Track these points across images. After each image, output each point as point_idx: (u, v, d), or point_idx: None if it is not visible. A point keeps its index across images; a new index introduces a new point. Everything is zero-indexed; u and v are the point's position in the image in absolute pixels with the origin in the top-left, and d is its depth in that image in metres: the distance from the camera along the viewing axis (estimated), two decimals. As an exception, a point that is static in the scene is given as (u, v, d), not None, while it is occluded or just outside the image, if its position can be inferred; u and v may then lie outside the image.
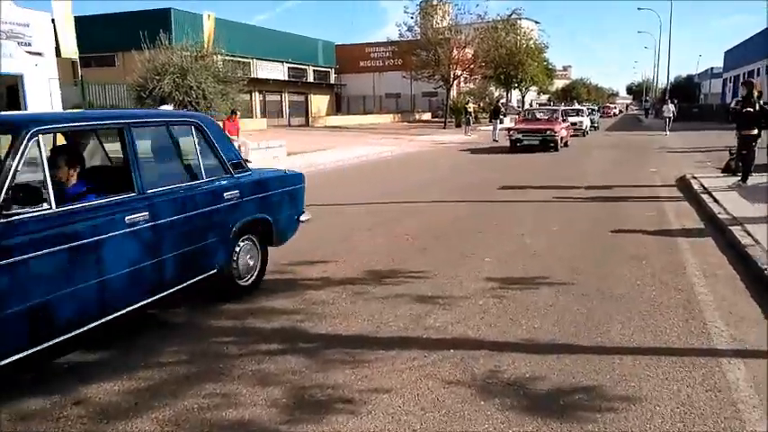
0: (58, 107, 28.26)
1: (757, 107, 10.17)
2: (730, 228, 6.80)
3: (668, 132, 28.87)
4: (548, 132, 19.76)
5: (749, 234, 6.44)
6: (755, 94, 10.48)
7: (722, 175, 11.93)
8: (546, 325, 4.25)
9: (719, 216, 7.56)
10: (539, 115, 23.34)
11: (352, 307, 4.69)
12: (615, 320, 4.31)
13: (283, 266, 5.89)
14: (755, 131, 10.26)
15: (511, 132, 20.84)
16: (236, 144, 16.76)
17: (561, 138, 20.20)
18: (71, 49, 28.57)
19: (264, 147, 18.15)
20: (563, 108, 33.09)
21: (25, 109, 24.78)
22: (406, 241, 6.99)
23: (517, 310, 4.56)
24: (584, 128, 29.93)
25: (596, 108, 49.55)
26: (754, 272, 5.35)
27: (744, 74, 62.40)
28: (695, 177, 11.42)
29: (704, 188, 10.00)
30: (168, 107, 10.67)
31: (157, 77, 16.68)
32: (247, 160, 16.86)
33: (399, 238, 7.17)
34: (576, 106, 39.19)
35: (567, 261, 5.95)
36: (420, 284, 5.25)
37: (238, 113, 17.10)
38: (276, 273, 5.68)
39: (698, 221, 7.89)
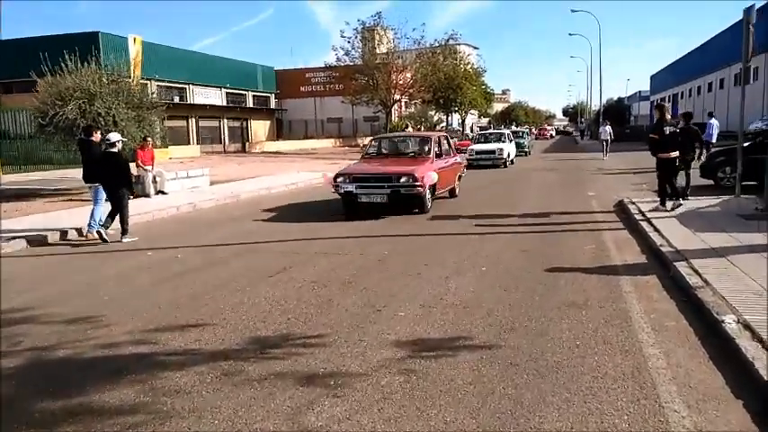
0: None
1: (668, 131, 9.81)
2: (675, 264, 6.06)
3: (606, 157, 26.92)
4: (403, 180, 10.64)
5: (696, 272, 5.70)
6: (667, 118, 10.19)
7: (659, 199, 11.47)
8: (462, 416, 3.25)
9: (662, 249, 6.85)
10: (402, 147, 13.46)
11: (213, 398, 3.56)
12: (551, 404, 3.35)
13: (147, 334, 4.72)
14: (674, 154, 9.85)
15: (338, 181, 11.22)
16: (150, 175, 15.36)
17: (431, 187, 11.15)
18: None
19: (184, 176, 16.74)
20: (474, 132, 30.97)
21: None
22: (311, 290, 5.91)
23: (427, 392, 3.55)
24: (504, 157, 23.36)
25: (526, 131, 40.22)
26: (708, 321, 4.56)
27: (668, 97, 65.19)
28: (633, 202, 10.88)
29: (643, 215, 9.40)
30: (116, 135, 9.57)
31: (60, 103, 15.08)
32: (162, 191, 15.59)
33: (305, 286, 6.09)
34: (498, 129, 33.25)
35: (494, 313, 5.01)
36: (312, 356, 4.17)
37: (149, 141, 15.69)
38: (134, 344, 4.50)
39: (639, 255, 7.16)
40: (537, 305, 5.21)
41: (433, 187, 11.27)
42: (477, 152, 23.60)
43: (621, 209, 10.80)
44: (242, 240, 8.94)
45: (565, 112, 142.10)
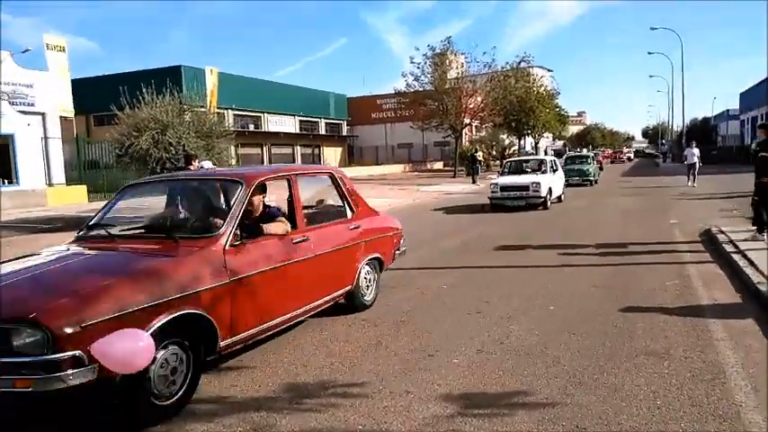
0: (58, 165, 28.04)
1: None
2: (778, 307, 5.26)
3: (695, 183, 23.07)
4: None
5: (805, 317, 4.90)
6: None
7: (753, 227, 10.37)
8: (515, 497, 2.75)
9: (761, 288, 6.01)
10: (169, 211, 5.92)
11: (237, 457, 3.22)
12: (624, 486, 2.79)
13: (184, 376, 4.46)
14: None
15: None
16: (217, 202, 15.64)
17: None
18: (65, 107, 28.47)
19: (251, 204, 16.91)
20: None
21: (15, 169, 24.41)
22: (361, 329, 5.54)
23: (476, 462, 3.07)
24: (541, 194, 16.22)
25: (591, 155, 32.78)
26: (823, 380, 3.81)
27: (762, 115, 60.96)
28: (722, 231, 9.87)
29: (735, 246, 8.44)
30: (208, 163, 9.99)
31: (136, 134, 15.72)
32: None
33: (356, 323, 5.72)
34: (534, 156, 26.44)
35: (560, 361, 4.45)
36: (352, 409, 3.77)
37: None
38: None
39: (733, 293, 6.33)
40: (609, 353, 4.60)
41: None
42: (504, 187, 16.88)
43: (709, 239, 9.82)
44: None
45: (644, 134, 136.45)
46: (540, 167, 18.87)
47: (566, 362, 4.45)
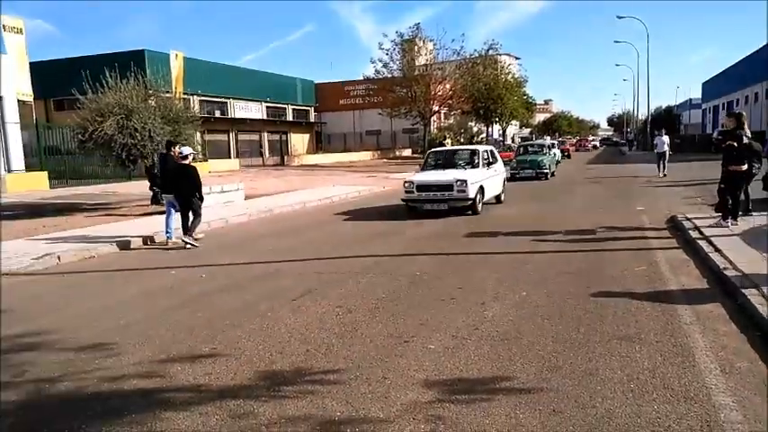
0: (17, 151, 27.05)
1: (745, 141, 9.08)
2: (743, 291, 5.41)
3: (664, 173, 22.13)
4: None
5: (768, 300, 5.05)
6: (746, 126, 9.44)
7: (716, 214, 10.67)
8: (496, 481, 2.76)
9: (726, 272, 6.18)
10: None
11: (214, 447, 3.16)
12: (602, 468, 2.83)
13: (157, 365, 4.38)
14: (744, 167, 9.11)
15: None
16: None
17: None
18: (24, 90, 27.45)
19: (218, 191, 16.64)
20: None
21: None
22: (336, 316, 5.50)
23: (457, 447, 3.08)
24: (469, 195, 12.54)
25: (550, 144, 30.55)
26: (787, 362, 3.93)
27: (723, 104, 62.67)
28: (688, 218, 10.12)
29: (700, 232, 8.66)
30: (188, 149, 10.27)
31: (100, 119, 15.25)
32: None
33: (330, 311, 5.68)
34: (465, 146, 23.23)
35: (535, 346, 4.50)
36: (330, 396, 3.74)
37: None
38: (141, 377, 4.17)
39: (699, 278, 6.49)
40: (583, 338, 4.66)
41: None
42: (420, 186, 13.07)
43: (675, 225, 10.05)
44: (268, 259, 8.63)
45: (610, 122, 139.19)
46: (470, 161, 14.37)
47: (540, 347, 4.50)
